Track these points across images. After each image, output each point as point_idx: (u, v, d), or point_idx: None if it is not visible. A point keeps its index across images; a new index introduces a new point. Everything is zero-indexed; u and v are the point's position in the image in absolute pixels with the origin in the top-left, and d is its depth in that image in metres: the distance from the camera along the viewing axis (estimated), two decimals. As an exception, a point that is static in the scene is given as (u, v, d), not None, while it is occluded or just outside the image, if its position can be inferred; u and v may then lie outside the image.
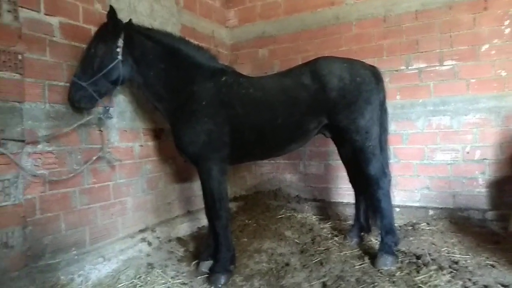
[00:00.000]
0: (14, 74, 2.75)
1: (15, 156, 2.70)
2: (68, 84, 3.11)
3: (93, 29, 3.38)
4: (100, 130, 3.37)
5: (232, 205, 4.95)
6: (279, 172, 5.41)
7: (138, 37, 3.19)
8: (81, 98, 3.03)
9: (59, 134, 3.03)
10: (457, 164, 4.31)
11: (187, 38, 3.50)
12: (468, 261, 3.17)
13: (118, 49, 3.09)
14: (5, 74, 2.68)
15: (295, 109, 3.20)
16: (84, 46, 3.28)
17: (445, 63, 4.33)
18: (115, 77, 3.13)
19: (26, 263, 2.75)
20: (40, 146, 2.92)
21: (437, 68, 4.37)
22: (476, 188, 4.24)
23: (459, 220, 4.13)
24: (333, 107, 3.20)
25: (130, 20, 3.18)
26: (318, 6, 5.01)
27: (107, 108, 3.29)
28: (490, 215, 4.08)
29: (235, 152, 3.25)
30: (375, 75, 3.35)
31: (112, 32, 3.09)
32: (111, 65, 3.06)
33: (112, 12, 3.06)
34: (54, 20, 3.08)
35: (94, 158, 3.27)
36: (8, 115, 2.69)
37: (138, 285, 2.92)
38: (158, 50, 3.22)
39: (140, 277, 3.05)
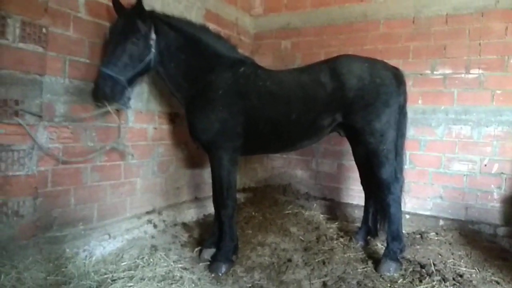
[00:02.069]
0: (38, 47, 2.78)
1: (31, 128, 2.75)
2: (88, 61, 3.15)
3: (119, 7, 3.38)
4: (116, 110, 3.37)
5: (240, 196, 4.96)
6: (290, 167, 5.39)
7: (163, 28, 3.11)
8: (117, 94, 2.93)
9: (77, 117, 3.07)
10: (473, 176, 4.22)
11: (207, 27, 3.45)
12: (473, 275, 3.12)
13: (152, 42, 3.03)
14: (28, 46, 2.72)
15: (310, 106, 3.17)
16: (108, 24, 3.30)
17: (471, 71, 4.21)
18: (147, 69, 3.10)
19: (34, 233, 2.82)
20: (56, 120, 2.95)
21: (462, 75, 4.25)
22: (490, 202, 4.14)
23: (469, 233, 4.05)
24: (350, 107, 3.16)
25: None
26: (347, 1, 4.91)
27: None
28: (501, 230, 3.99)
29: (248, 143, 3.24)
30: (397, 78, 3.27)
31: (145, 23, 2.98)
32: (147, 59, 3.02)
33: (141, 3, 2.94)
34: (81, -4, 3.10)
35: (108, 147, 3.29)
36: (29, 87, 2.73)
37: (140, 266, 2.95)
38: (180, 41, 3.16)
39: (143, 258, 3.08)
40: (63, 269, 2.69)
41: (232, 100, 3.12)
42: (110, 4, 3.28)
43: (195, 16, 4.25)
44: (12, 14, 2.60)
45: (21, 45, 2.67)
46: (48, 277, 2.56)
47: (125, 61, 2.92)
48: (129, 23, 2.95)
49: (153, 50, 3.04)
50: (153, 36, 3.03)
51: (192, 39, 3.19)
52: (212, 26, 4.51)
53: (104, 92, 2.88)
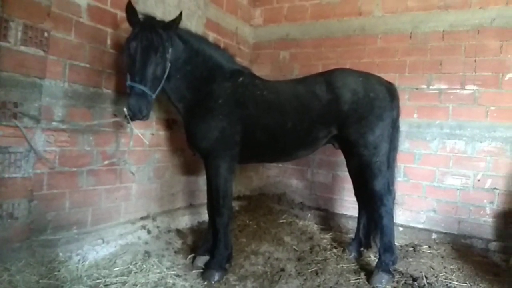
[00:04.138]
0: (39, 51, 2.80)
1: (29, 130, 2.75)
2: (88, 66, 3.18)
3: (120, 13, 3.42)
4: (114, 115, 3.40)
5: (235, 204, 4.95)
6: (285, 176, 5.41)
7: (175, 40, 3.04)
8: (150, 112, 2.82)
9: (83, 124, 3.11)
10: (467, 191, 4.26)
11: (207, 37, 3.50)
12: (465, 289, 3.14)
13: (168, 55, 2.91)
14: (30, 50, 2.74)
15: (305, 116, 3.22)
16: (110, 30, 3.34)
17: (466, 87, 4.27)
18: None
19: (28, 236, 2.81)
20: (54, 123, 2.97)
21: (458, 91, 4.32)
22: (482, 217, 4.18)
23: (461, 247, 4.07)
24: (344, 120, 3.21)
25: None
26: (345, 15, 4.99)
27: None
28: (493, 245, 4.01)
29: (245, 152, 3.27)
30: (390, 92, 3.34)
31: (169, 37, 2.92)
32: (167, 72, 2.94)
33: (180, 20, 2.93)
34: (83, 2, 3.13)
35: (106, 162, 3.32)
36: (28, 90, 2.74)
37: (133, 271, 2.95)
38: (187, 52, 3.14)
39: (136, 263, 3.08)
40: (55, 273, 2.68)
41: (231, 109, 3.15)
42: (111, 10, 3.35)
43: (195, 24, 4.30)
44: (14, 18, 2.62)
45: (22, 48, 2.68)
46: (40, 281, 2.54)
47: (155, 76, 2.82)
48: (156, 36, 2.82)
49: (169, 63, 2.94)
50: (169, 50, 2.93)
51: (197, 50, 3.19)
52: (212, 35, 4.62)
53: (140, 110, 2.72)
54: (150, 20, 2.91)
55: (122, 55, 3.07)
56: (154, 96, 2.85)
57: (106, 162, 3.32)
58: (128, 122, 2.96)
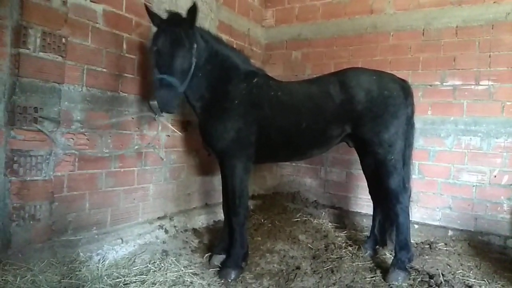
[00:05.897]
0: (57, 56, 2.88)
1: (50, 134, 2.83)
2: (105, 70, 3.25)
3: (135, 18, 3.49)
4: (132, 118, 3.48)
5: (250, 203, 4.96)
6: (299, 175, 5.43)
7: (198, 38, 3.08)
8: (177, 105, 2.92)
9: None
10: (483, 187, 4.21)
11: (222, 39, 3.56)
12: (483, 287, 3.11)
13: (193, 51, 2.96)
14: (48, 56, 2.82)
15: (320, 116, 3.24)
16: (126, 35, 3.42)
17: (481, 82, 4.23)
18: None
19: (50, 236, 2.90)
20: (73, 127, 3.05)
21: (472, 87, 4.27)
22: (499, 214, 4.13)
23: (478, 244, 4.03)
24: (359, 119, 3.22)
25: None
26: (357, 13, 4.98)
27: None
28: (511, 242, 3.96)
29: (260, 151, 3.30)
30: (404, 89, 3.33)
31: (193, 33, 2.98)
32: (193, 67, 2.97)
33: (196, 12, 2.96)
34: (99, 8, 3.20)
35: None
36: (47, 95, 2.83)
37: (151, 270, 3.00)
38: (208, 51, 3.17)
39: (154, 262, 3.13)
40: (77, 273, 2.75)
41: (247, 110, 3.19)
42: (126, 15, 3.43)
43: (208, 27, 4.34)
44: (33, 25, 2.70)
45: (41, 54, 2.77)
46: (62, 280, 2.61)
47: (182, 69, 2.88)
48: (181, 30, 2.89)
49: (194, 59, 2.98)
50: (195, 45, 2.99)
51: (216, 51, 3.23)
52: (225, 37, 4.66)
53: (168, 102, 2.80)
54: (174, 16, 2.99)
55: (149, 52, 3.07)
56: (182, 89, 2.90)
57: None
58: (156, 115, 3.05)
